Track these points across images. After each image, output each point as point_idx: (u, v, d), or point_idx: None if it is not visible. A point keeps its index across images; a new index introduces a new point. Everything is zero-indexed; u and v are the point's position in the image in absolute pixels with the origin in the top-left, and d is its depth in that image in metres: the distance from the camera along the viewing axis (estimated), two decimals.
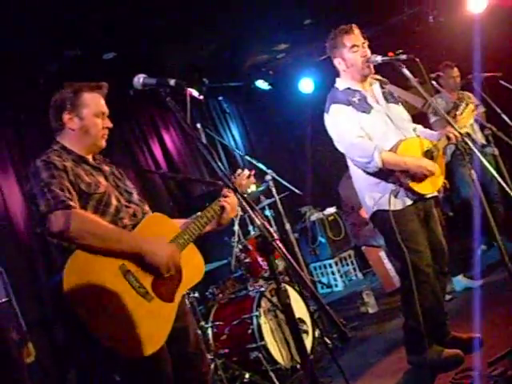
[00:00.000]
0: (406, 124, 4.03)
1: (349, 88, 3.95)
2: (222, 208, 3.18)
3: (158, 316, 2.72)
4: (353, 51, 3.89)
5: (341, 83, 4.01)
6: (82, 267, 2.57)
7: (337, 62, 3.99)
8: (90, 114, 2.94)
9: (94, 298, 2.54)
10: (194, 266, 3.03)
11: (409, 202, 3.81)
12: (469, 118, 4.11)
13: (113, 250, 2.66)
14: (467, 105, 4.09)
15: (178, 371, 2.85)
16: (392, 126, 3.94)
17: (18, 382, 4.07)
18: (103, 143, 3.02)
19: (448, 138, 4.05)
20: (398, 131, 3.94)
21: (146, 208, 3.18)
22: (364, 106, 3.89)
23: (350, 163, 4.06)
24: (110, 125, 3.04)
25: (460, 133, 3.68)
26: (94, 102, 2.97)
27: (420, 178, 3.78)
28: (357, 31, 3.94)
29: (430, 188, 3.89)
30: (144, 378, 2.74)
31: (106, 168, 3.07)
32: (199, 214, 3.15)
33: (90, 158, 3.00)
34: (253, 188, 3.50)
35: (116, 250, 2.67)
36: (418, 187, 3.79)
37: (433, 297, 3.82)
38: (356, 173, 4.01)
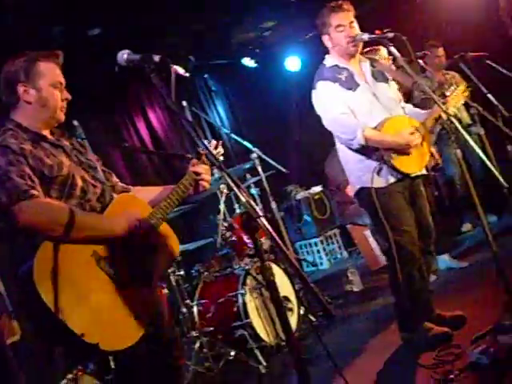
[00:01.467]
0: (393, 103, 4.01)
1: (336, 65, 3.93)
2: (195, 180, 3.00)
3: (135, 303, 2.58)
4: (338, 31, 3.87)
5: (329, 60, 4.00)
6: (52, 257, 2.37)
7: (325, 39, 3.98)
8: (47, 85, 2.69)
9: (68, 290, 2.36)
10: (168, 246, 2.89)
11: (392, 179, 3.81)
12: (459, 100, 4.11)
13: (86, 238, 2.50)
14: (458, 86, 4.09)
15: (152, 356, 2.75)
16: (378, 104, 3.93)
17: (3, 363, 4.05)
18: (62, 116, 2.79)
19: (435, 120, 4.06)
20: (385, 110, 3.93)
21: (114, 179, 3.06)
22: (350, 84, 3.88)
23: (336, 141, 4.06)
24: (69, 96, 2.79)
25: (447, 113, 3.66)
26: (51, 72, 2.73)
27: (405, 152, 3.79)
28: (346, 7, 3.90)
29: (414, 167, 3.89)
30: (122, 369, 2.67)
31: (67, 143, 2.84)
32: (173, 186, 2.99)
33: (47, 133, 2.77)
34: (221, 158, 3.37)
35: (89, 237, 2.51)
36: (402, 166, 3.80)
37: (418, 275, 3.84)
38: (343, 150, 4.01)
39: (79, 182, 2.68)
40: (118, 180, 3.10)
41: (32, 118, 2.71)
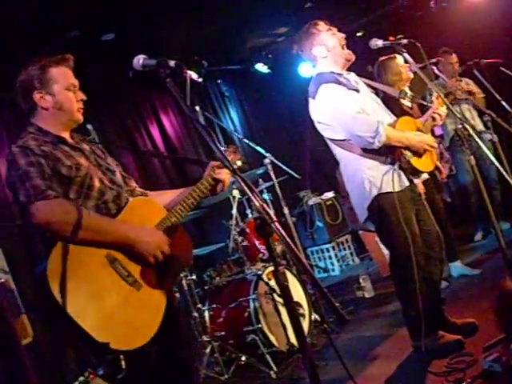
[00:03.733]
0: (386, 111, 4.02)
1: (332, 71, 3.88)
2: (215, 180, 3.04)
3: (148, 305, 2.63)
4: (331, 33, 3.89)
5: (323, 67, 3.95)
6: (66, 257, 2.43)
7: (316, 51, 3.93)
8: (62, 89, 2.79)
9: (81, 290, 2.42)
10: (182, 250, 2.90)
11: (406, 183, 3.77)
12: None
13: (98, 241, 2.55)
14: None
15: (166, 359, 2.80)
16: (379, 107, 3.93)
17: (18, 365, 4.07)
18: (80, 117, 2.87)
19: (433, 119, 4.06)
20: (386, 113, 3.94)
21: (133, 184, 3.11)
22: (352, 86, 3.85)
23: (338, 151, 3.95)
24: (84, 97, 2.88)
25: (461, 119, 3.66)
26: (63, 76, 2.82)
27: (419, 154, 3.78)
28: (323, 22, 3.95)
29: (427, 167, 3.87)
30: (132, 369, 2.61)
31: (86, 147, 2.93)
32: (190, 189, 3.03)
33: (67, 136, 2.86)
34: (238, 163, 3.40)
35: (101, 241, 2.56)
36: (418, 164, 3.77)
37: (426, 283, 3.82)
38: (349, 159, 3.88)
39: (97, 184, 2.75)
40: (136, 185, 3.16)
41: (51, 121, 2.80)
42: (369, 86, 4.13)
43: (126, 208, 2.81)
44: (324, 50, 3.91)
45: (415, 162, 3.75)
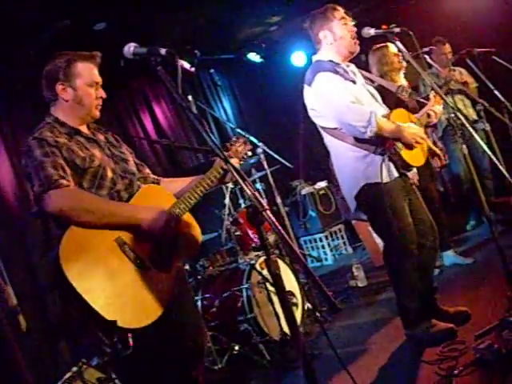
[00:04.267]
0: (382, 103, 4.02)
1: (331, 60, 3.87)
2: (225, 171, 3.14)
3: (155, 286, 2.72)
4: (342, 23, 3.86)
5: (322, 55, 3.94)
6: (77, 242, 2.57)
7: (322, 35, 3.91)
8: (84, 84, 2.90)
9: (91, 272, 2.54)
10: (190, 236, 3.01)
11: (395, 174, 3.77)
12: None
13: (109, 224, 2.66)
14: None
15: (175, 340, 2.90)
16: (374, 100, 3.93)
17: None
18: (97, 113, 2.99)
19: (428, 116, 4.07)
20: (381, 106, 3.94)
21: (146, 171, 3.24)
22: (349, 77, 3.85)
23: (329, 139, 3.95)
24: (104, 95, 3.01)
25: (453, 107, 3.65)
26: (88, 72, 2.93)
27: (410, 147, 3.78)
28: (343, 10, 3.93)
29: (417, 161, 3.87)
30: (138, 350, 2.72)
31: (101, 137, 3.06)
32: (200, 178, 3.13)
33: (84, 128, 2.98)
34: (249, 154, 3.48)
35: (112, 224, 2.67)
36: (408, 157, 3.77)
37: (419, 273, 3.83)
38: (339, 148, 3.89)
39: (109, 174, 2.88)
40: (149, 172, 3.29)
41: (69, 114, 2.92)
42: (367, 78, 4.12)
43: (136, 195, 2.94)
44: (330, 37, 3.90)
45: (405, 154, 3.75)
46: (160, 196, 3.05)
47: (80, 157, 2.79)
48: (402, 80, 5.08)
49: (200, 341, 3.06)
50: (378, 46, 5.16)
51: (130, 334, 2.64)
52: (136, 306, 2.62)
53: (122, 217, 2.72)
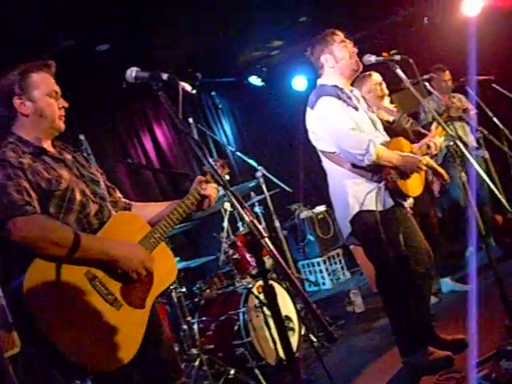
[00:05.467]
0: (383, 132, 4.04)
1: (336, 85, 3.91)
2: (201, 196, 3.01)
3: (128, 324, 2.53)
4: (342, 45, 3.90)
5: (326, 79, 3.97)
6: (44, 274, 2.36)
7: (324, 59, 3.95)
8: (42, 95, 2.69)
9: (58, 308, 2.35)
10: (165, 267, 2.84)
11: (391, 203, 3.77)
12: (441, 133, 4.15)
13: (78, 259, 2.45)
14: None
15: (149, 377, 2.74)
16: (375, 128, 3.95)
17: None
18: (61, 125, 2.78)
19: (428, 147, 4.08)
20: (381, 134, 3.96)
21: (117, 195, 3.04)
22: (352, 103, 3.87)
23: (327, 163, 3.97)
24: (66, 104, 2.79)
25: (452, 135, 3.66)
26: (45, 82, 2.72)
27: (407, 176, 3.78)
28: (342, 34, 3.98)
29: (413, 191, 3.88)
30: None
31: (68, 156, 2.83)
32: (175, 203, 2.98)
33: (49, 145, 2.76)
34: (227, 177, 3.39)
35: (81, 259, 2.46)
36: (404, 187, 3.78)
37: (415, 300, 3.82)
38: (337, 172, 3.91)
39: (78, 197, 2.66)
40: (121, 196, 3.08)
41: (31, 129, 2.70)
42: (370, 105, 4.15)
43: (108, 223, 2.72)
44: (332, 60, 3.94)
45: (402, 184, 3.76)
46: (133, 224, 2.82)
47: (45, 179, 2.56)
48: (387, 106, 5.12)
49: (174, 377, 2.87)
50: (362, 74, 5.21)
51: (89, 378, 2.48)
52: (107, 347, 2.43)
53: (94, 252, 2.50)
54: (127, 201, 3.11)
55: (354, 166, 3.78)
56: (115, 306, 2.53)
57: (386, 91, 5.14)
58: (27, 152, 2.62)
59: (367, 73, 5.14)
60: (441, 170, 4.68)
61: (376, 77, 5.12)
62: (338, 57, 3.91)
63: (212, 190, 3.06)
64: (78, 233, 2.52)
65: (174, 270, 2.93)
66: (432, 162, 4.30)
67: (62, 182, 2.62)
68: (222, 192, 3.45)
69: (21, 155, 2.57)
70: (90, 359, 2.35)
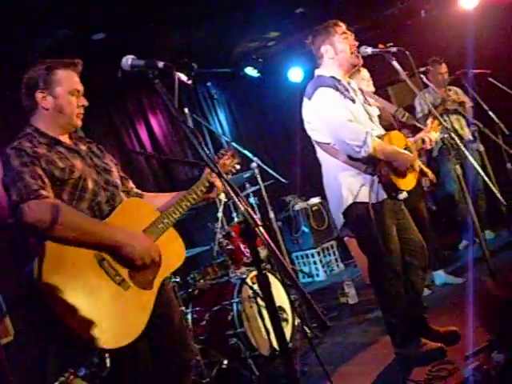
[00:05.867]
0: (379, 124, 4.03)
1: (333, 76, 3.90)
2: (210, 184, 3.09)
3: (135, 304, 2.64)
4: (343, 37, 3.89)
5: (324, 70, 3.96)
6: (55, 257, 2.49)
7: (324, 49, 3.94)
8: (64, 92, 2.82)
9: (68, 289, 2.44)
10: (173, 251, 2.94)
11: (384, 196, 3.77)
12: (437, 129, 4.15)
13: (87, 242, 2.57)
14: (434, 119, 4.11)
15: (160, 357, 2.83)
16: (371, 121, 3.95)
17: None
18: (79, 122, 2.91)
19: (423, 141, 4.08)
20: (377, 127, 3.96)
21: (130, 185, 3.15)
22: (349, 95, 3.87)
23: (322, 154, 3.98)
24: (86, 103, 2.92)
25: (447, 128, 3.67)
26: (69, 80, 2.85)
27: (400, 172, 3.79)
28: (344, 25, 3.96)
29: (406, 185, 3.88)
30: (121, 368, 2.68)
31: (83, 147, 2.96)
32: (185, 192, 3.06)
33: (65, 138, 2.90)
34: (237, 167, 3.43)
35: (90, 242, 2.58)
36: (397, 181, 3.78)
37: (408, 292, 3.84)
38: (331, 163, 3.91)
39: (90, 185, 2.78)
40: (133, 186, 3.19)
41: (49, 123, 2.83)
42: (367, 97, 4.15)
43: (117, 209, 2.83)
44: (332, 52, 3.92)
45: (395, 178, 3.77)
46: (142, 210, 2.95)
47: (59, 168, 2.70)
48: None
49: (186, 356, 2.98)
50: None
51: (107, 355, 2.57)
52: (114, 325, 2.53)
53: (101, 237, 2.62)
54: (139, 191, 3.22)
55: (349, 157, 3.78)
56: (123, 286, 2.63)
57: (373, 88, 5.13)
58: (43, 143, 2.75)
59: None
60: (426, 170, 4.69)
61: (364, 73, 5.11)
62: (338, 48, 3.90)
63: (217, 182, 3.12)
64: (90, 218, 2.70)
65: (182, 253, 3.01)
66: (420, 163, 4.30)
67: (75, 172, 2.75)
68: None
69: (36, 145, 2.71)
70: (99, 336, 2.44)
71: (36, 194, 2.53)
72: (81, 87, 2.91)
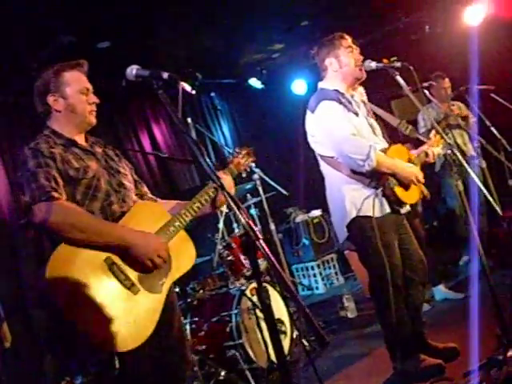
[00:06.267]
0: (382, 138, 4.03)
1: (337, 90, 3.90)
2: (216, 190, 3.07)
3: (144, 309, 2.67)
4: (348, 51, 3.89)
5: (328, 84, 3.96)
6: (65, 259, 2.53)
7: (328, 62, 3.94)
8: (74, 92, 2.90)
9: (78, 293, 2.49)
10: (184, 255, 2.96)
11: (387, 210, 3.77)
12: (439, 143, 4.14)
13: (96, 243, 2.61)
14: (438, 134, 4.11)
15: (157, 363, 2.82)
16: (374, 134, 3.94)
17: None
18: (93, 119, 2.98)
19: (426, 155, 4.07)
20: (380, 141, 3.95)
21: (144, 189, 3.18)
22: (352, 108, 3.87)
23: (325, 167, 3.97)
24: (97, 100, 3.00)
25: (450, 144, 3.66)
26: (76, 80, 2.93)
27: (405, 185, 3.78)
28: (350, 39, 3.96)
29: (410, 199, 3.87)
30: (124, 372, 2.67)
31: (99, 150, 3.02)
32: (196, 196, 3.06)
33: (81, 139, 2.96)
34: (253, 165, 3.43)
35: (99, 243, 2.61)
36: (402, 194, 3.78)
37: (407, 307, 3.83)
38: (334, 177, 3.90)
39: (103, 186, 2.84)
40: (147, 191, 3.22)
41: (64, 124, 2.91)
42: (370, 110, 4.14)
43: (130, 211, 2.88)
44: (336, 65, 3.92)
45: (399, 191, 3.76)
46: (154, 212, 2.98)
47: (74, 168, 2.76)
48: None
49: (182, 366, 2.98)
50: None
51: (116, 357, 2.59)
52: (123, 328, 2.55)
53: (111, 238, 2.65)
54: (153, 197, 3.24)
55: (353, 171, 3.77)
56: (132, 290, 2.66)
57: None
58: (59, 143, 2.83)
59: None
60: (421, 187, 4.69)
61: (361, 89, 5.12)
62: (342, 62, 3.90)
63: (227, 181, 3.13)
64: (99, 219, 2.75)
65: (192, 256, 3.01)
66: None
67: (89, 172, 2.81)
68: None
69: (52, 146, 2.79)
70: (105, 338, 2.49)
71: (48, 195, 2.59)
72: (89, 85, 2.98)
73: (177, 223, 2.90)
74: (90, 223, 2.64)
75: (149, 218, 2.91)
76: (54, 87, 2.87)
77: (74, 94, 2.90)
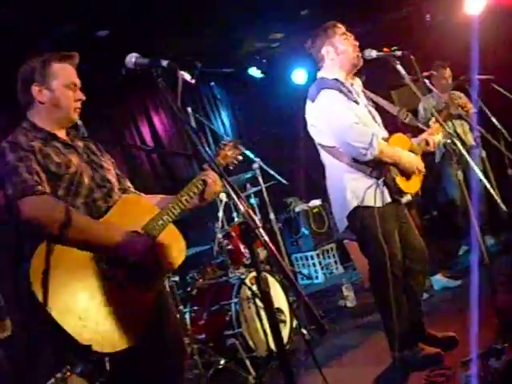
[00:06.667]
0: (381, 126, 4.02)
1: (336, 79, 3.88)
2: (204, 182, 3.00)
3: (134, 306, 2.57)
4: (343, 38, 3.88)
5: (327, 73, 3.94)
6: (50, 257, 2.39)
7: (325, 51, 3.92)
8: (61, 86, 2.74)
9: (64, 292, 2.38)
10: (174, 248, 2.84)
11: (388, 199, 3.75)
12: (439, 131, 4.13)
13: (82, 241, 2.50)
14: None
15: (153, 358, 2.77)
16: (374, 122, 3.93)
17: None
18: (75, 117, 2.83)
19: (427, 143, 4.06)
20: (381, 128, 3.94)
21: (127, 184, 3.06)
22: (353, 97, 3.85)
23: (326, 157, 3.95)
24: (83, 97, 2.84)
25: (450, 133, 3.66)
26: (65, 73, 2.77)
27: (406, 174, 3.78)
28: (344, 27, 3.96)
29: (411, 188, 3.87)
30: (117, 371, 2.60)
31: (80, 144, 2.88)
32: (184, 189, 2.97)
33: (62, 133, 2.81)
34: (239, 158, 3.39)
35: (86, 241, 2.51)
36: (403, 183, 3.77)
37: (406, 296, 3.83)
38: (335, 166, 3.88)
39: (86, 181, 2.72)
40: (130, 185, 3.10)
41: (46, 117, 2.76)
42: (369, 98, 4.13)
43: (115, 206, 2.76)
44: (333, 53, 3.91)
45: (400, 181, 3.75)
46: (141, 206, 2.88)
47: (55, 162, 2.63)
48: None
49: (180, 358, 2.94)
50: None
51: (106, 358, 2.49)
52: (112, 328, 2.46)
53: (99, 236, 2.54)
54: (136, 191, 3.12)
55: (354, 160, 3.75)
56: (120, 288, 2.56)
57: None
58: (38, 137, 2.69)
59: None
60: None
61: (358, 81, 5.11)
62: (339, 49, 3.88)
63: (211, 174, 3.04)
64: (86, 216, 2.61)
65: (182, 251, 2.92)
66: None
67: (71, 167, 2.68)
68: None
69: (32, 139, 2.65)
70: (95, 339, 2.38)
71: (33, 190, 2.48)
72: (77, 80, 2.84)
73: (165, 217, 2.81)
74: (77, 220, 2.51)
75: (136, 211, 2.81)
76: (40, 77, 2.72)
77: (61, 88, 2.74)
